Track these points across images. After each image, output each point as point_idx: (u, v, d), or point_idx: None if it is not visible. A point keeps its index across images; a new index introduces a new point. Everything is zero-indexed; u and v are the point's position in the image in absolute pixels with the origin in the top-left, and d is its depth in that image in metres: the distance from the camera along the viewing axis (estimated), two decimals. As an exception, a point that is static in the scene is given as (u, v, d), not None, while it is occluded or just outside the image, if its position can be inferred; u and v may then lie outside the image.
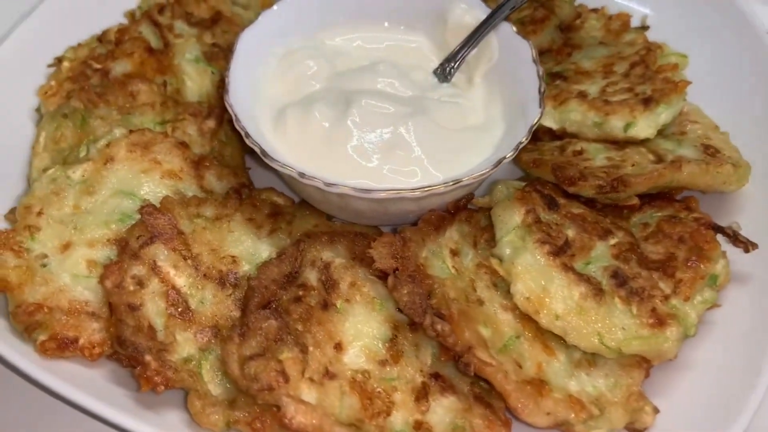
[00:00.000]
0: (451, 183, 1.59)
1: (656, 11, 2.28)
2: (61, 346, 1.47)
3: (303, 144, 1.71)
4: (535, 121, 1.69)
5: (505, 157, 1.63)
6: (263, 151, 1.61)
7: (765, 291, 1.64)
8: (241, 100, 1.74)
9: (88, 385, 1.43)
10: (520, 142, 1.65)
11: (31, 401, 1.55)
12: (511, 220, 1.65)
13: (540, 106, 1.72)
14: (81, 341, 1.48)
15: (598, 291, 1.53)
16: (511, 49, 1.87)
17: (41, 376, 1.41)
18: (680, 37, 2.15)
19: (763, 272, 1.67)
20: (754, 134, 1.94)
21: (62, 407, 1.49)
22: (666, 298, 1.55)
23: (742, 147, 1.87)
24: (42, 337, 1.47)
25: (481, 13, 1.92)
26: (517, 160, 1.90)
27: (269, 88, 1.85)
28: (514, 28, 1.89)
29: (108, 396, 1.41)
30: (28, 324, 1.49)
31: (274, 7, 1.94)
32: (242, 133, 1.65)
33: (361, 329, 1.49)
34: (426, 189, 1.58)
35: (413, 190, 1.58)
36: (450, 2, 1.96)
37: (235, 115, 1.68)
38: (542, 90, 1.75)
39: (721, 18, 2.20)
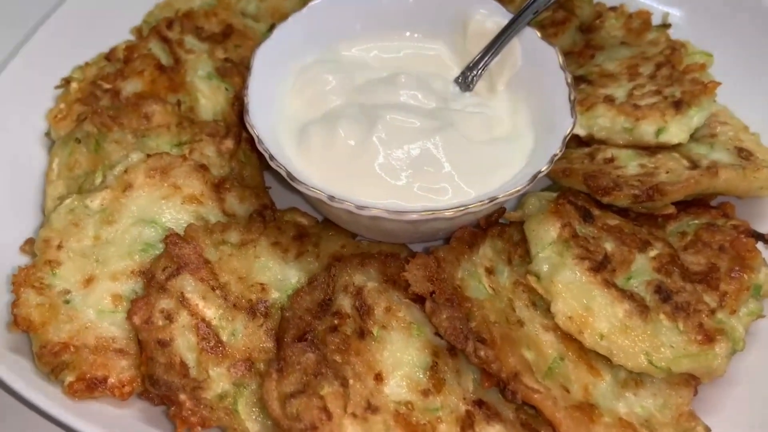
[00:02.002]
0: (486, 201, 1.54)
1: (677, 8, 2.23)
2: (90, 387, 1.41)
3: (329, 163, 1.65)
4: (569, 131, 1.64)
5: (540, 171, 1.57)
6: (290, 174, 1.56)
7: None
8: (262, 120, 1.68)
9: (120, 426, 1.38)
10: (555, 155, 1.60)
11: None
12: (546, 234, 1.60)
13: (572, 116, 1.66)
14: (110, 381, 1.43)
15: (642, 308, 1.49)
16: (536, 56, 1.82)
17: (71, 421, 1.35)
18: (702, 34, 2.10)
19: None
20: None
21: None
22: (712, 312, 1.50)
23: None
24: (70, 378, 1.42)
25: (503, 18, 1.86)
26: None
27: (289, 106, 1.78)
28: (539, 34, 1.83)
29: (142, 438, 1.36)
30: (55, 365, 1.43)
31: (288, 20, 1.87)
32: (266, 155, 1.59)
33: (400, 357, 1.44)
34: (460, 209, 1.52)
35: (447, 209, 1.52)
36: (470, 8, 1.90)
37: (258, 137, 1.62)
38: (573, 98, 1.69)
39: (744, 13, 2.15)
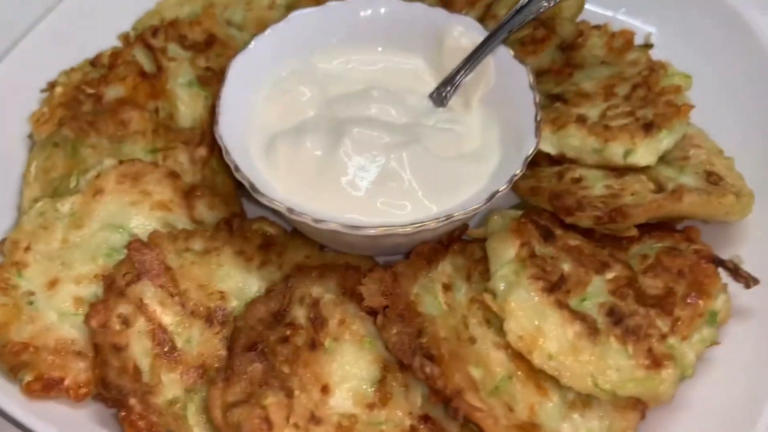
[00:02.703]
0: (443, 218, 1.56)
1: (661, 28, 2.23)
2: (46, 387, 1.46)
3: (294, 175, 1.68)
4: (531, 152, 1.65)
5: (498, 191, 1.59)
6: (252, 186, 1.59)
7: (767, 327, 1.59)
8: (232, 130, 1.71)
9: (73, 427, 1.42)
10: (515, 174, 1.61)
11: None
12: (505, 253, 1.62)
13: (536, 136, 1.68)
14: (66, 382, 1.47)
15: (593, 330, 1.49)
16: (508, 74, 1.83)
17: (25, 419, 1.40)
18: (686, 56, 2.10)
19: (765, 306, 1.62)
20: (761, 159, 1.89)
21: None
22: (663, 337, 1.51)
23: (748, 173, 1.82)
24: (28, 378, 1.46)
25: (479, 35, 1.88)
26: (514, 187, 1.85)
27: (261, 116, 1.81)
28: (512, 52, 1.84)
29: (92, 439, 1.40)
30: (14, 364, 1.47)
31: (267, 31, 1.91)
32: (231, 167, 1.62)
33: (349, 370, 1.47)
34: (417, 225, 1.55)
35: (404, 226, 1.54)
36: (446, 24, 1.92)
37: (225, 147, 1.65)
38: (538, 119, 1.71)
39: (729, 36, 2.14)
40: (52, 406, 1.47)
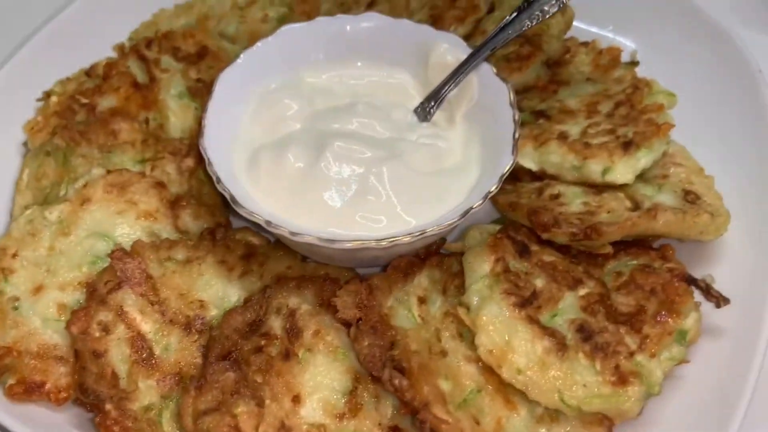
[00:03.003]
0: (417, 234, 1.59)
1: (648, 46, 2.25)
2: (27, 391, 1.50)
3: (276, 187, 1.72)
4: (506, 170, 1.68)
5: (472, 207, 1.62)
6: (232, 198, 1.63)
7: (737, 346, 1.61)
8: (217, 143, 1.75)
9: (52, 430, 1.46)
10: (489, 192, 1.65)
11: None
12: (480, 268, 1.65)
13: (513, 154, 1.71)
14: (47, 386, 1.52)
15: (561, 346, 1.52)
16: (491, 91, 1.86)
17: (6, 421, 1.44)
18: (672, 73, 2.12)
19: (736, 326, 1.64)
20: (742, 179, 1.91)
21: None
22: (631, 354, 1.53)
23: (728, 192, 1.84)
24: (10, 381, 1.51)
25: (463, 52, 1.91)
26: (494, 202, 1.90)
27: (247, 129, 1.86)
28: (494, 70, 1.87)
29: (69, 443, 1.44)
30: (-3, 367, 1.52)
31: (256, 45, 1.95)
32: (213, 178, 1.67)
33: (321, 381, 1.50)
34: (391, 240, 1.58)
35: (378, 240, 1.58)
36: (433, 41, 1.95)
37: (209, 159, 1.70)
38: (516, 136, 1.73)
39: (716, 54, 2.16)
40: (32, 409, 1.51)
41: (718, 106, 2.10)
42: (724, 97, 2.10)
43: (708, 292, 1.63)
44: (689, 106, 2.03)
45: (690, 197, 1.79)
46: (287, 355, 1.51)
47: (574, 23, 2.22)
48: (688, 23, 2.22)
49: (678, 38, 2.23)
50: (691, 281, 1.65)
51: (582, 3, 2.18)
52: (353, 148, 1.74)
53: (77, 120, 1.97)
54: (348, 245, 1.58)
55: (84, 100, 2.02)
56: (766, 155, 1.93)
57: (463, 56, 1.91)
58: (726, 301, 1.61)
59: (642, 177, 1.85)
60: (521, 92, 2.09)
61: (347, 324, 1.56)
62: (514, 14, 1.90)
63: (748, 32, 2.25)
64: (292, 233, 1.58)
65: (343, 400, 1.49)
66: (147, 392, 1.50)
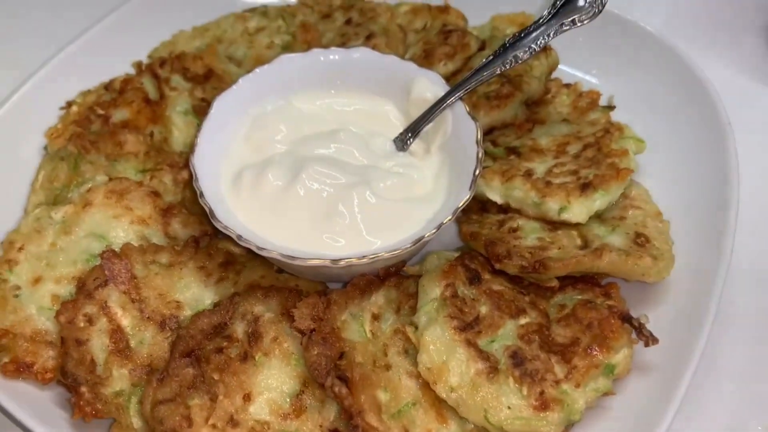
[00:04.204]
0: (371, 256, 1.75)
1: (627, 90, 2.36)
2: (18, 369, 1.71)
3: (254, 204, 1.89)
4: (461, 204, 1.82)
5: (424, 236, 1.77)
6: (211, 212, 1.81)
7: (663, 382, 1.71)
8: (207, 160, 1.94)
9: (34, 405, 1.67)
10: (442, 223, 1.79)
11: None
12: (432, 291, 1.79)
13: (470, 189, 1.84)
14: (36, 366, 1.72)
15: (493, 369, 1.66)
16: (462, 127, 2.00)
17: (-3, 394, 1.66)
18: (646, 118, 2.24)
19: (665, 364, 1.75)
20: (697, 226, 2.01)
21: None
22: (557, 382, 1.66)
23: (683, 237, 1.95)
24: (5, 360, 1.72)
25: (441, 90, 2.06)
26: (459, 231, 2.04)
27: (237, 148, 2.04)
28: (467, 108, 2.02)
29: (47, 417, 1.64)
30: (-6, 346, 1.74)
31: (255, 70, 2.14)
32: (197, 193, 1.85)
33: (271, 383, 1.66)
34: (347, 260, 1.74)
35: (335, 260, 1.74)
36: (415, 77, 2.11)
37: (195, 175, 1.88)
38: (476, 173, 1.87)
39: (690, 103, 2.26)
40: (21, 386, 1.72)
41: (686, 153, 2.20)
42: (693, 145, 2.20)
43: (640, 330, 1.74)
44: (659, 148, 2.16)
45: (640, 240, 1.90)
46: (245, 357, 1.68)
47: (561, 67, 2.36)
48: (669, 72, 2.33)
49: (657, 85, 2.34)
50: (627, 319, 1.76)
51: (567, 48, 2.32)
52: (328, 172, 1.91)
53: (92, 129, 2.19)
54: (308, 263, 1.74)
55: (100, 111, 2.24)
56: (725, 204, 2.01)
57: (441, 93, 2.06)
58: (655, 341, 1.72)
59: (600, 217, 1.97)
60: (499, 128, 2.24)
61: (303, 333, 1.72)
62: (490, 58, 2.04)
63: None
64: (259, 248, 1.75)
65: (288, 402, 1.65)
66: (119, 380, 1.68)
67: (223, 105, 2.06)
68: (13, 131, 2.22)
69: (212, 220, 1.81)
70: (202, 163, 1.93)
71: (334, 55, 2.18)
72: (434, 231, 1.79)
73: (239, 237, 1.77)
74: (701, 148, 2.18)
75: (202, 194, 1.85)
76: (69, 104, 2.29)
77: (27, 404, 1.65)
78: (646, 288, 1.92)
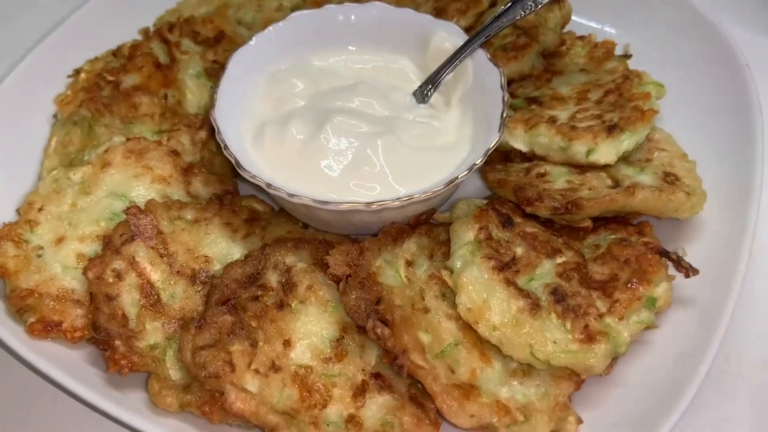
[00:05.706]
0: (404, 198, 1.72)
1: (643, 41, 2.35)
2: (46, 329, 1.65)
3: (278, 157, 1.86)
4: (492, 145, 1.80)
5: (457, 178, 1.74)
6: (237, 162, 1.78)
7: (704, 316, 1.70)
8: (227, 115, 1.91)
9: (66, 363, 1.61)
10: (474, 164, 1.77)
11: (21, 376, 1.74)
12: (465, 235, 1.77)
13: (499, 131, 1.82)
14: (64, 325, 1.66)
15: (535, 306, 1.63)
16: (484, 75, 1.98)
17: (25, 353, 1.60)
18: (665, 68, 2.23)
19: (705, 297, 1.73)
20: (723, 165, 2.00)
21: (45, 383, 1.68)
22: (600, 316, 1.64)
23: (710, 176, 1.94)
24: (32, 319, 1.66)
25: (460, 40, 2.04)
26: (484, 180, 2.02)
27: (256, 105, 2.00)
28: (488, 55, 2.00)
29: (81, 374, 1.59)
30: (21, 307, 1.68)
31: (269, 28, 2.11)
32: (222, 145, 1.81)
33: (310, 329, 1.63)
34: (380, 203, 1.71)
35: (368, 203, 1.71)
36: (432, 29, 2.09)
37: (218, 128, 1.85)
38: (504, 116, 1.85)
39: (707, 49, 2.27)
40: (50, 346, 1.66)
41: (706, 97, 2.20)
42: (712, 89, 2.21)
43: (678, 263, 1.73)
44: (679, 97, 2.15)
45: (669, 178, 1.89)
46: (281, 305, 1.65)
47: (574, 18, 2.35)
48: (682, 20, 2.35)
49: (671, 34, 2.35)
50: (664, 253, 1.75)
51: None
52: (352, 123, 1.88)
53: (102, 95, 2.14)
54: (341, 207, 1.71)
55: (110, 78, 2.19)
56: (749, 143, 2.02)
57: (460, 43, 2.04)
58: (695, 271, 1.71)
59: (626, 160, 1.96)
60: (517, 80, 2.22)
61: (338, 280, 1.69)
62: (509, 4, 2.02)
63: (742, 31, 2.36)
64: (290, 195, 1.71)
65: (329, 347, 1.61)
66: (153, 333, 1.64)
67: (239, 62, 2.02)
68: (20, 99, 2.16)
69: (239, 170, 1.77)
70: (222, 117, 1.89)
71: (348, 11, 2.15)
72: (466, 172, 1.76)
73: (269, 185, 1.73)
74: (721, 90, 2.19)
75: (226, 146, 1.81)
76: (77, 71, 2.24)
77: (58, 363, 1.59)
78: (677, 227, 1.92)
